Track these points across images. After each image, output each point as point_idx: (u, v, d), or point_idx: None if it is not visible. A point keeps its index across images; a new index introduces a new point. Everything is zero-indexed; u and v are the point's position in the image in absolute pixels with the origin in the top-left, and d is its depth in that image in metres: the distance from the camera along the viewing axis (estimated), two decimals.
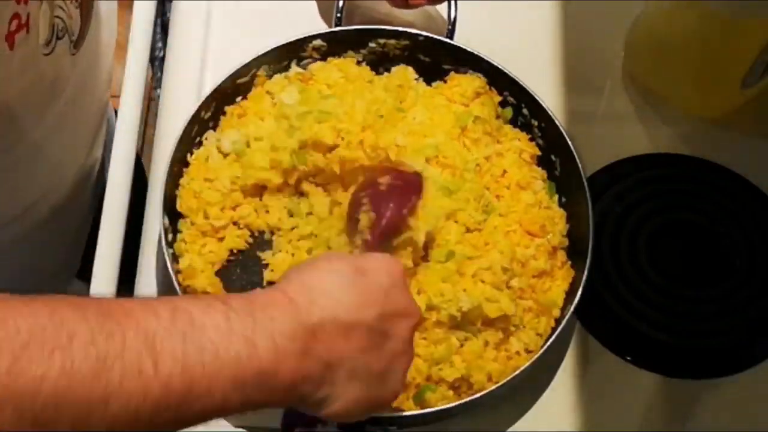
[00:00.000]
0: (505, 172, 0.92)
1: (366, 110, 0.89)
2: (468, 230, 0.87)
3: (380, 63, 0.97)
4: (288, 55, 0.95)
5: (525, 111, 0.94)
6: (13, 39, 0.71)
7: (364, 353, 0.65)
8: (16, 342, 0.52)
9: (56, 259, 1.07)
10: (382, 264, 0.69)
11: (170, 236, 0.87)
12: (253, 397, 0.59)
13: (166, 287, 0.90)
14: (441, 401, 0.80)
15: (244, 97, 0.94)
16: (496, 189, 0.90)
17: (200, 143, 0.92)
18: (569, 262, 0.88)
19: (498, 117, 0.95)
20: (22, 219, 0.94)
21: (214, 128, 0.93)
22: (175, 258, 0.86)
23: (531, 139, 0.94)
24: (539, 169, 0.93)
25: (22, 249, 0.95)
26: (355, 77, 0.94)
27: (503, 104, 0.95)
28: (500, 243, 0.86)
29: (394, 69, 0.96)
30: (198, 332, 0.57)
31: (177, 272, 0.84)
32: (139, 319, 0.56)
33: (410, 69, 0.96)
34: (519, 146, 0.93)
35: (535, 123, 0.94)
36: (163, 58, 1.06)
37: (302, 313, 0.62)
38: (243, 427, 0.86)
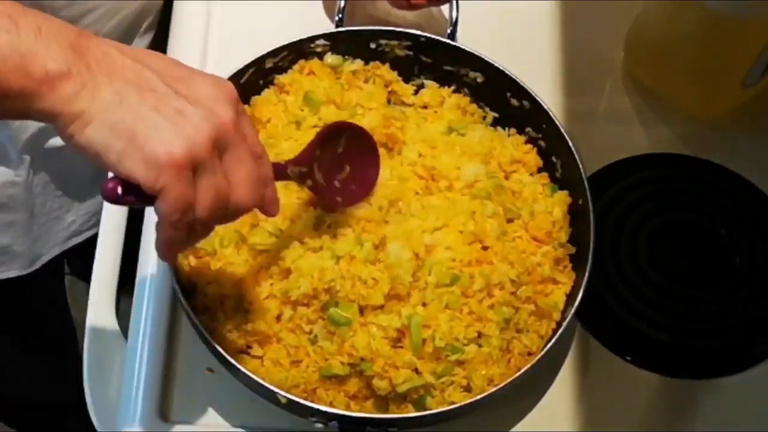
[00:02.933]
0: (508, 177, 0.92)
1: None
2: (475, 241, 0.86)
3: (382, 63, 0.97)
4: (289, 56, 0.95)
5: (525, 111, 0.94)
6: None
7: (142, 86, 0.62)
8: None
9: None
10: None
11: None
12: (7, 80, 0.59)
13: (166, 288, 0.90)
14: (441, 405, 0.80)
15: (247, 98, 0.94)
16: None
17: None
18: (570, 265, 0.88)
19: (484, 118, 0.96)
20: None
21: None
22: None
23: (530, 141, 0.95)
24: (543, 174, 0.93)
25: None
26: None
27: (503, 104, 0.95)
28: (510, 254, 0.86)
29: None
30: None
31: (177, 272, 0.84)
32: None
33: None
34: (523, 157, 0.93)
35: (536, 123, 0.94)
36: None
37: (81, 33, 0.62)
38: (243, 427, 0.86)
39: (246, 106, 0.93)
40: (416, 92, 0.98)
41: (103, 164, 0.61)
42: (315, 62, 0.95)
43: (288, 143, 0.90)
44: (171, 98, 0.62)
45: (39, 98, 0.60)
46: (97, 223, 1.00)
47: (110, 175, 0.63)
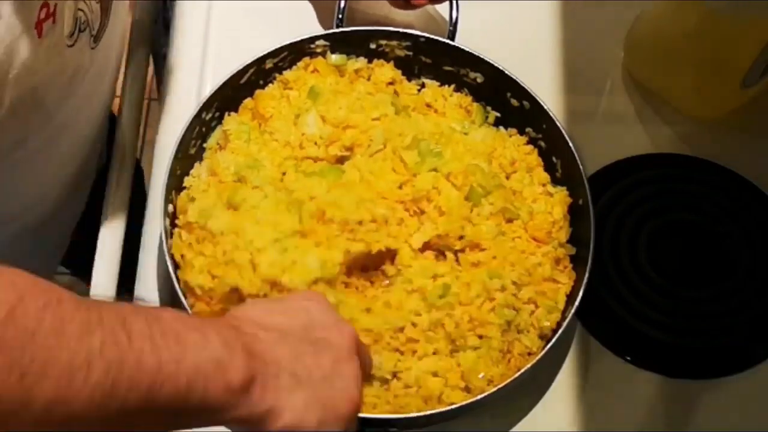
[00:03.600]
0: (508, 177, 0.92)
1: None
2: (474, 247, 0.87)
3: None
4: (289, 56, 0.95)
5: (526, 111, 0.94)
6: (41, 27, 0.73)
7: (301, 358, 0.67)
8: (12, 294, 0.53)
9: (41, 260, 1.07)
10: (301, 292, 0.74)
11: (170, 237, 0.87)
12: (212, 391, 0.60)
13: (166, 288, 0.90)
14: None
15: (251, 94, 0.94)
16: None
17: (201, 144, 0.92)
18: (571, 265, 0.88)
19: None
20: (21, 218, 0.94)
21: (215, 128, 0.93)
22: (175, 259, 0.86)
23: (531, 141, 0.95)
24: (545, 174, 0.93)
25: (11, 250, 0.95)
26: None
27: (504, 104, 0.95)
28: (510, 255, 0.86)
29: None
30: (157, 321, 0.60)
31: (177, 273, 0.84)
32: (108, 303, 0.59)
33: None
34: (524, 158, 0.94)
35: (536, 123, 0.94)
36: (164, 58, 1.06)
37: (237, 327, 0.65)
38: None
39: (249, 100, 0.94)
40: (418, 92, 0.98)
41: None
42: (319, 60, 0.95)
43: (289, 135, 0.90)
44: (321, 351, 0.68)
45: (235, 408, 0.62)
46: None
47: None
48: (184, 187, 0.90)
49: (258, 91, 0.94)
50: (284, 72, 0.95)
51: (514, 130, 0.96)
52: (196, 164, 0.92)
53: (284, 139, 0.90)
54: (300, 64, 0.95)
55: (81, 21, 0.80)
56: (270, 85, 0.95)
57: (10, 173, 0.84)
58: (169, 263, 0.83)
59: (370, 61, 0.97)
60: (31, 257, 1.01)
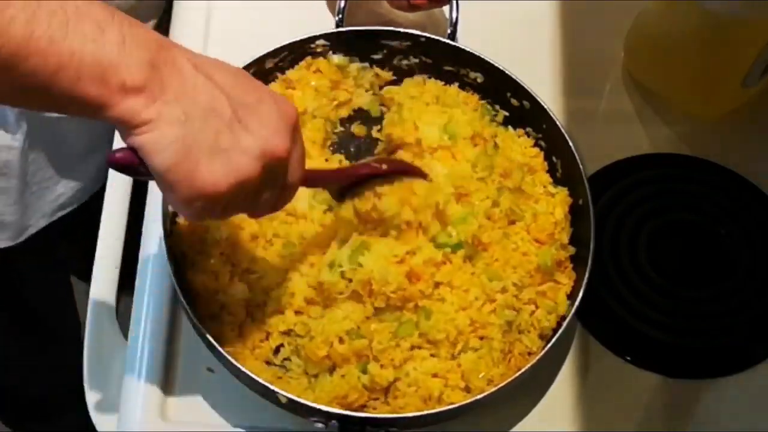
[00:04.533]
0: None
1: None
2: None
3: (385, 64, 0.98)
4: (289, 56, 0.95)
5: (526, 111, 0.94)
6: None
7: (207, 105, 0.64)
8: None
9: None
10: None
11: (170, 237, 0.87)
12: (84, 85, 0.59)
13: (166, 288, 0.90)
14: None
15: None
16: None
17: None
18: (571, 265, 0.88)
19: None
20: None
21: None
22: (175, 258, 0.86)
23: (534, 145, 0.95)
24: (546, 175, 0.93)
25: None
26: None
27: (504, 104, 0.95)
28: (512, 257, 0.86)
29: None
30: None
31: (177, 272, 0.84)
32: None
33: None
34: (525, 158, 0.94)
35: (536, 123, 0.94)
36: None
37: (162, 45, 0.63)
38: (243, 428, 0.86)
39: None
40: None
41: (146, 162, 0.63)
42: (322, 61, 0.95)
43: None
44: (233, 127, 0.65)
45: (110, 107, 0.61)
46: (83, 197, 1.02)
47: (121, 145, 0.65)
48: None
49: None
50: (286, 72, 0.95)
51: (521, 130, 0.95)
52: None
53: None
54: (302, 63, 0.95)
55: None
56: (272, 84, 0.95)
57: None
58: (169, 263, 0.83)
59: (371, 65, 0.97)
60: None
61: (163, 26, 1.07)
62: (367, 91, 0.97)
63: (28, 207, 1.05)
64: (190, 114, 0.63)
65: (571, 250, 0.89)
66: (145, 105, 0.61)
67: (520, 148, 0.94)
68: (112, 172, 0.97)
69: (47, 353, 1.38)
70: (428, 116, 0.92)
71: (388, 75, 0.97)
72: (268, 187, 0.68)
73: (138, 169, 0.64)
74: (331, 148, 0.96)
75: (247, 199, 0.67)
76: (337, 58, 0.95)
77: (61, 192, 1.08)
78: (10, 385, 1.46)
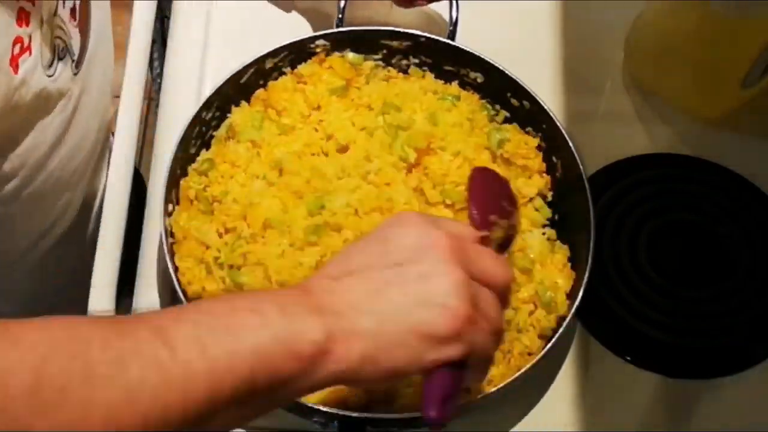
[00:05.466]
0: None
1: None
2: None
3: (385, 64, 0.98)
4: (289, 56, 0.95)
5: (526, 111, 0.94)
6: (17, 62, 0.71)
7: (382, 291, 0.60)
8: (36, 357, 0.51)
9: (57, 289, 1.06)
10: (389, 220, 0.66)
11: (170, 239, 0.87)
12: (279, 369, 0.57)
13: (166, 288, 0.90)
14: None
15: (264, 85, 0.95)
16: None
17: (202, 143, 0.92)
18: (569, 264, 0.88)
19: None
20: (30, 253, 0.94)
21: (216, 128, 0.93)
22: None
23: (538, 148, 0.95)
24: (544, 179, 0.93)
25: (29, 282, 0.95)
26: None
27: (504, 104, 0.95)
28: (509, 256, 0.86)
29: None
30: (205, 316, 0.57)
31: (177, 273, 0.84)
32: (149, 317, 0.56)
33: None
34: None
35: (536, 123, 0.94)
36: (163, 58, 1.06)
37: (303, 287, 0.61)
38: (243, 428, 0.86)
39: (262, 90, 0.94)
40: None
41: (408, 374, 0.61)
42: (335, 57, 0.95)
43: (304, 131, 0.90)
44: (403, 275, 0.61)
45: (318, 371, 0.58)
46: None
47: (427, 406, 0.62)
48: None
49: (271, 83, 0.94)
50: (298, 66, 0.95)
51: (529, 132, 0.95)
52: (203, 152, 0.92)
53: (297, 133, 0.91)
54: (315, 58, 0.95)
55: (59, 49, 0.78)
56: (283, 77, 0.95)
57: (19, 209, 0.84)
58: (169, 263, 0.83)
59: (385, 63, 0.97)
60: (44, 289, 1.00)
61: (163, 27, 1.07)
62: None
63: None
64: (375, 307, 0.60)
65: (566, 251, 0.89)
66: (347, 347, 0.58)
67: (522, 144, 0.94)
68: (110, 176, 0.97)
69: None
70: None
71: (399, 74, 0.97)
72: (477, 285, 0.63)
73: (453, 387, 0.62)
74: None
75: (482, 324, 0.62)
76: (351, 56, 0.95)
77: None
78: None
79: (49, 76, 0.78)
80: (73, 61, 0.82)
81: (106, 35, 0.95)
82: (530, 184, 0.92)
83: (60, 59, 0.79)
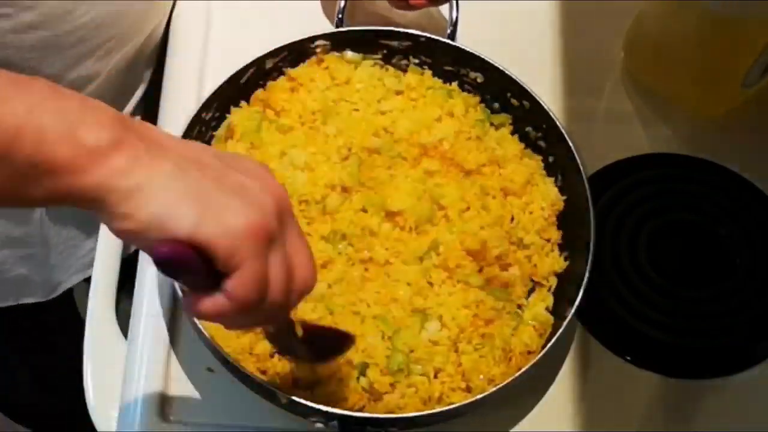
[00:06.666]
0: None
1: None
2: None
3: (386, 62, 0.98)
4: (289, 56, 0.95)
5: (526, 111, 0.94)
6: None
7: (200, 161, 0.56)
8: None
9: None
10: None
11: None
12: (51, 143, 0.52)
13: (166, 288, 0.90)
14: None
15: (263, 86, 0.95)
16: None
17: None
18: (557, 252, 0.89)
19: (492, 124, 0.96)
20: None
21: (216, 128, 0.93)
22: None
23: (531, 141, 0.95)
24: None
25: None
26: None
27: (504, 104, 0.96)
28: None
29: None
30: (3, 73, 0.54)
31: None
32: None
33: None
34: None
35: (536, 123, 0.94)
36: (163, 58, 1.05)
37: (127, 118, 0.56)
38: (243, 428, 0.86)
39: (261, 91, 0.94)
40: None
41: (171, 235, 0.54)
42: (332, 56, 0.95)
43: (302, 132, 0.91)
44: (229, 172, 0.57)
45: (87, 172, 0.52)
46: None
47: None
48: None
49: (270, 83, 0.94)
50: (296, 67, 0.95)
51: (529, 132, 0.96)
52: None
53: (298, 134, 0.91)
54: (313, 59, 0.95)
55: None
56: (282, 77, 0.95)
57: None
58: None
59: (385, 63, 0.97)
60: None
61: (163, 28, 1.06)
62: None
63: (56, 267, 1.04)
64: (184, 166, 0.55)
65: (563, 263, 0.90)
66: (129, 165, 0.53)
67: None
68: None
69: (59, 371, 1.38)
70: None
71: (399, 74, 0.97)
72: (291, 238, 0.59)
73: (193, 263, 0.54)
74: None
75: (283, 253, 0.58)
76: (350, 55, 0.95)
77: (90, 247, 1.02)
78: (19, 396, 1.45)
79: None
80: None
81: None
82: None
83: None
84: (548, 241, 0.90)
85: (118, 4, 0.89)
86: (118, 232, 0.54)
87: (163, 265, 0.54)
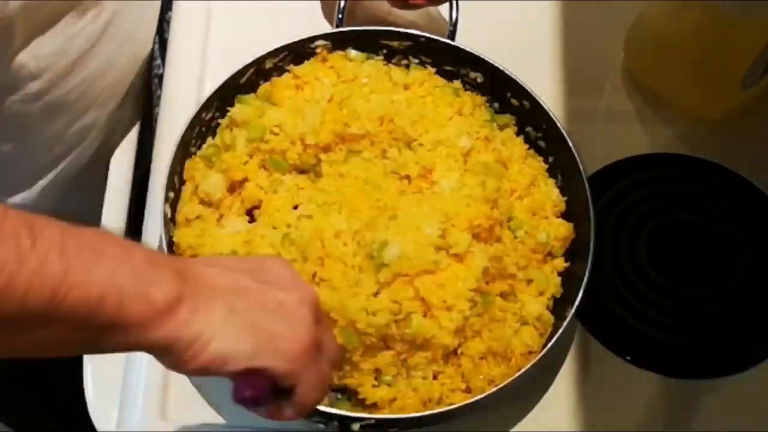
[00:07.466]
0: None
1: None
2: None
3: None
4: (289, 56, 0.95)
5: (526, 111, 0.94)
6: None
7: (243, 293, 0.63)
8: None
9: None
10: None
11: (170, 236, 0.87)
12: (128, 305, 0.57)
13: None
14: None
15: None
16: None
17: (202, 143, 0.92)
18: (554, 260, 0.89)
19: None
20: (45, 177, 0.95)
21: (215, 128, 0.93)
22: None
23: (531, 141, 0.95)
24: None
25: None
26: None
27: (504, 104, 0.96)
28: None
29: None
30: (76, 234, 0.57)
31: None
32: (25, 213, 0.56)
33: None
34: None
35: (536, 123, 0.94)
36: (163, 58, 1.06)
37: (175, 256, 0.63)
38: (243, 427, 0.86)
39: (267, 84, 0.94)
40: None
41: (231, 371, 0.61)
42: (336, 55, 0.95)
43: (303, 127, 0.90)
44: (265, 291, 0.64)
45: (158, 328, 0.58)
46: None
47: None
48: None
49: (275, 79, 0.94)
50: (299, 65, 0.95)
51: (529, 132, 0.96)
52: (209, 139, 0.92)
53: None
54: (317, 57, 0.95)
55: None
56: (286, 74, 0.95)
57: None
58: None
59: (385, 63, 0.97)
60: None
61: (163, 28, 1.07)
62: None
63: None
64: (231, 303, 0.61)
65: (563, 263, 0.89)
66: (190, 316, 0.59)
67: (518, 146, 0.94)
68: (110, 176, 0.97)
69: (62, 397, 1.38)
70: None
71: (403, 73, 0.97)
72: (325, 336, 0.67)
73: (268, 393, 0.63)
74: None
75: (324, 358, 0.66)
76: (354, 53, 0.95)
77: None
78: (10, 385, 1.46)
79: None
80: None
81: None
82: None
83: None
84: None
85: (109, 51, 0.92)
86: (183, 372, 0.61)
87: (246, 402, 0.63)
